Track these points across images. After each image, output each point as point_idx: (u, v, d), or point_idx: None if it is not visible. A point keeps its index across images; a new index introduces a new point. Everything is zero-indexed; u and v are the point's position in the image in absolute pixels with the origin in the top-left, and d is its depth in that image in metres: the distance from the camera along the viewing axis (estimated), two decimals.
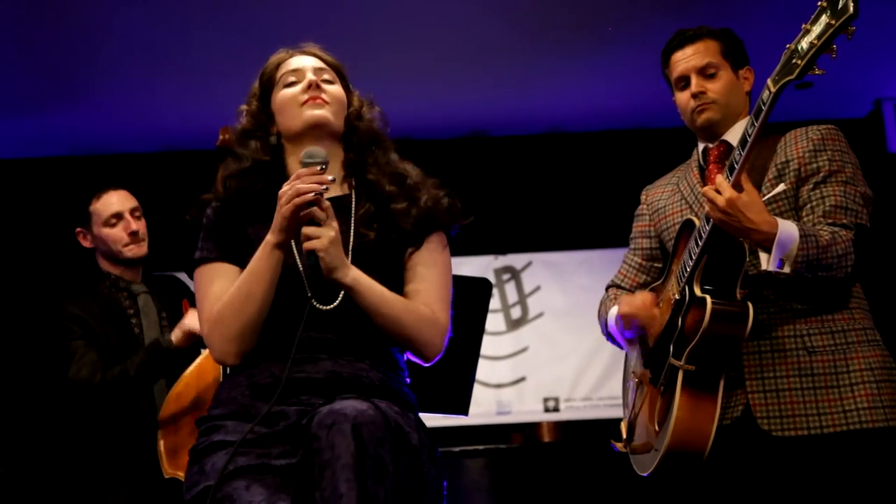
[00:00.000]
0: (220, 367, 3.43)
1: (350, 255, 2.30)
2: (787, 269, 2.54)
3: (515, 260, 6.60)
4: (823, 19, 2.35)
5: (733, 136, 2.82)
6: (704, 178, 2.86)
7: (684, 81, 2.86)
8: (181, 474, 3.36)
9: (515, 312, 6.58)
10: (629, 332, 2.86)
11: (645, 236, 3.04)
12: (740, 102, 2.86)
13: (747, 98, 2.88)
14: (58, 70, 5.33)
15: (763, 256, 2.57)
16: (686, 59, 2.86)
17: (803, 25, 2.40)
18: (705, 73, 2.84)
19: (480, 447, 5.80)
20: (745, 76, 2.87)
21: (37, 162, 6.27)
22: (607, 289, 3.09)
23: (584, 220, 6.46)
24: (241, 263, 2.30)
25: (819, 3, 2.38)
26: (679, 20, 5.05)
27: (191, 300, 3.81)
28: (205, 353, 3.55)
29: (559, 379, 6.41)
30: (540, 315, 6.55)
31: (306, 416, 2.12)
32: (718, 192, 2.53)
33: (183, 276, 3.94)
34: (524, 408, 6.40)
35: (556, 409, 6.40)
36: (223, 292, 2.27)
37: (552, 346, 6.48)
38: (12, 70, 5.29)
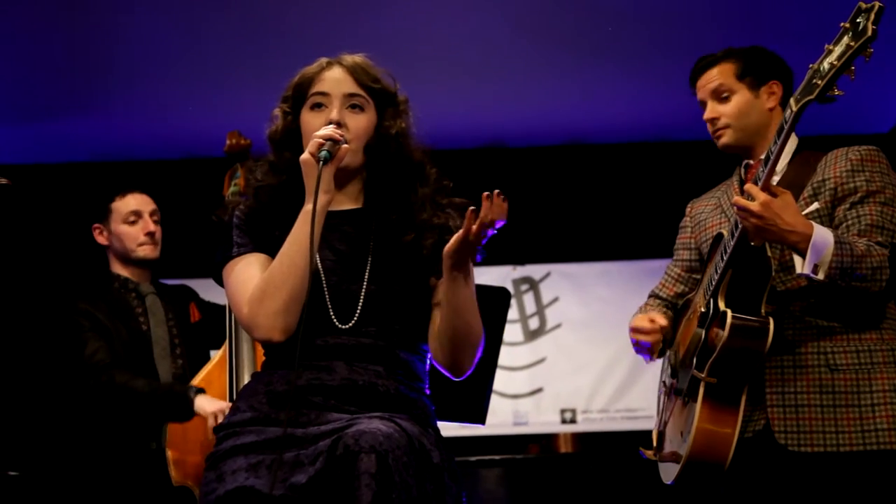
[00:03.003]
0: (227, 375, 3.45)
1: (368, 268, 2.30)
2: (820, 276, 2.52)
3: (534, 271, 6.60)
4: (844, 41, 2.37)
5: None
6: (744, 194, 2.86)
7: (704, 107, 2.92)
8: (190, 483, 3.38)
9: (533, 323, 6.56)
10: (636, 349, 2.90)
11: (686, 248, 3.06)
12: (762, 120, 2.86)
13: (774, 112, 2.88)
14: (76, 78, 5.36)
15: (798, 260, 2.55)
16: (703, 85, 2.92)
17: (826, 46, 2.41)
18: (719, 96, 2.88)
19: (497, 457, 5.79)
20: (771, 91, 2.87)
21: (55, 167, 6.31)
22: (648, 297, 3.12)
23: (604, 232, 6.45)
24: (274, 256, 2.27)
25: (842, 25, 2.39)
26: (701, 31, 5.07)
27: (199, 305, 3.84)
28: (212, 361, 3.57)
29: (576, 390, 6.39)
30: (558, 326, 6.54)
31: (328, 436, 2.10)
32: (751, 198, 2.52)
33: (191, 284, 3.98)
34: (541, 419, 6.38)
35: (573, 421, 6.37)
36: (260, 277, 2.25)
37: (570, 357, 6.46)
38: (32, 77, 5.34)
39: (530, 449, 6.19)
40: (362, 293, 2.28)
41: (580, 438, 6.24)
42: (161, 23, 4.85)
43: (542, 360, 6.50)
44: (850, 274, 2.53)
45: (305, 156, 2.21)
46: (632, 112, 6.06)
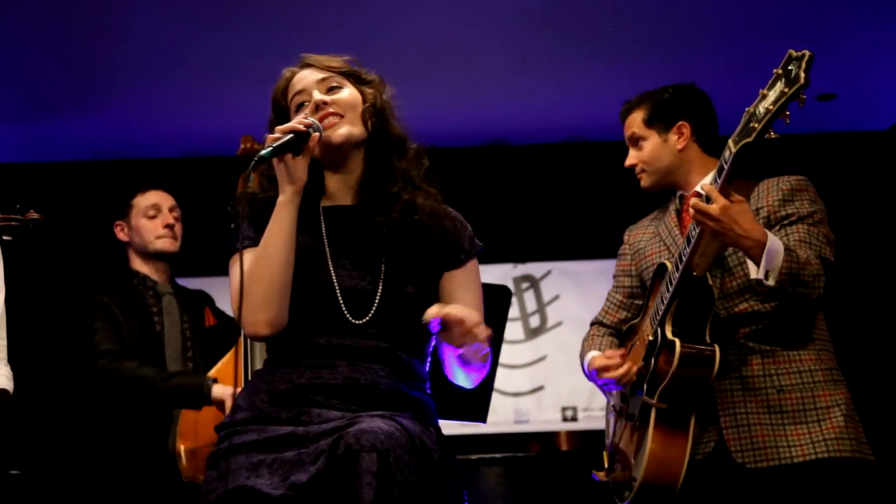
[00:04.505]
0: (242, 371, 3.46)
1: (383, 266, 2.31)
2: (771, 282, 2.63)
3: (535, 269, 6.60)
4: (778, 87, 2.47)
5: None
6: (682, 223, 3.01)
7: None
8: (201, 477, 3.38)
9: (534, 321, 6.57)
10: (600, 382, 2.99)
11: (626, 275, 3.19)
12: (674, 161, 3.01)
13: (687, 150, 3.00)
14: (82, 76, 5.37)
15: (752, 266, 2.67)
16: (624, 132, 3.10)
17: (761, 91, 2.51)
18: (635, 143, 3.06)
19: (498, 455, 5.80)
20: (680, 132, 3.01)
21: (61, 166, 6.32)
22: (591, 325, 3.25)
23: (604, 230, 6.42)
24: None
25: (775, 71, 2.49)
26: (701, 29, 5.07)
27: (213, 311, 3.86)
28: (225, 357, 3.58)
29: (577, 388, 6.39)
30: (559, 324, 6.54)
31: (329, 435, 2.11)
32: (709, 201, 2.62)
33: (207, 287, 3.99)
34: (542, 417, 6.40)
35: (574, 419, 6.39)
36: None
37: (571, 355, 6.38)
38: (38, 76, 5.34)
39: (531, 447, 6.19)
40: (379, 287, 2.29)
41: (581, 436, 6.24)
42: (166, 20, 4.85)
43: (542, 358, 6.51)
44: (796, 280, 2.64)
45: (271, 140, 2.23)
46: None
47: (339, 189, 2.39)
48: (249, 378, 3.35)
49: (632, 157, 3.07)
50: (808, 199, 2.87)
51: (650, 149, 3.02)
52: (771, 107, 2.47)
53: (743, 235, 2.61)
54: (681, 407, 2.78)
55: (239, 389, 3.30)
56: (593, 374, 3.01)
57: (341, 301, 2.26)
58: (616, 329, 3.17)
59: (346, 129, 2.32)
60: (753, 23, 4.97)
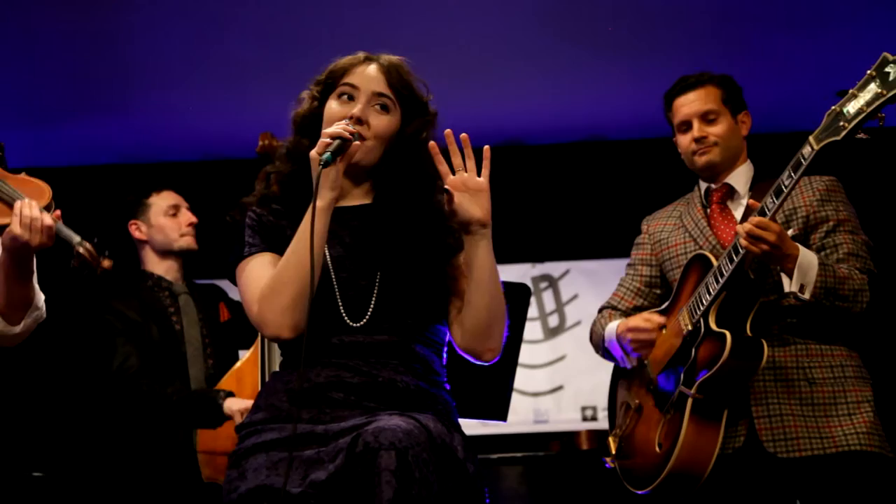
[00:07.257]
0: (259, 372, 3.47)
1: (380, 263, 2.30)
2: (806, 295, 2.69)
3: (553, 268, 6.59)
4: (872, 88, 2.51)
5: (735, 179, 3.02)
6: (709, 217, 3.03)
7: (686, 125, 3.04)
8: (220, 478, 3.39)
9: (553, 321, 6.56)
10: (630, 349, 2.99)
11: (646, 264, 3.20)
12: (739, 145, 3.04)
13: (744, 141, 3.06)
14: (102, 81, 5.40)
15: (785, 280, 2.72)
16: (689, 104, 3.04)
17: (850, 91, 2.55)
18: (707, 118, 3.02)
19: (518, 455, 5.80)
20: (743, 120, 3.05)
21: (83, 170, 6.36)
22: (601, 310, 3.22)
23: (622, 228, 6.41)
24: None
25: (868, 73, 2.52)
26: (720, 27, 5.06)
27: (228, 305, 3.86)
28: (243, 358, 3.59)
29: (597, 388, 6.38)
30: (577, 323, 6.54)
31: (348, 433, 2.11)
32: (764, 228, 2.66)
33: (221, 284, 3.99)
34: (562, 416, 6.39)
35: (593, 418, 6.38)
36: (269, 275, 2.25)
37: (590, 354, 6.38)
38: (56, 82, 5.38)
39: (552, 446, 6.19)
40: (375, 289, 2.28)
41: (601, 436, 6.23)
42: (182, 24, 4.87)
43: (562, 358, 6.50)
44: (833, 294, 2.69)
45: (314, 152, 2.19)
46: (650, 108, 6.01)
47: (345, 193, 2.36)
48: (267, 378, 3.38)
49: (702, 130, 3.02)
50: (842, 202, 2.92)
51: (727, 126, 3.02)
52: (865, 107, 2.51)
53: (786, 255, 2.68)
54: (717, 399, 2.80)
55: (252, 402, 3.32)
56: (614, 345, 3.02)
57: (340, 303, 2.26)
58: (629, 316, 3.13)
59: (358, 153, 2.27)
60: (770, 21, 4.96)
